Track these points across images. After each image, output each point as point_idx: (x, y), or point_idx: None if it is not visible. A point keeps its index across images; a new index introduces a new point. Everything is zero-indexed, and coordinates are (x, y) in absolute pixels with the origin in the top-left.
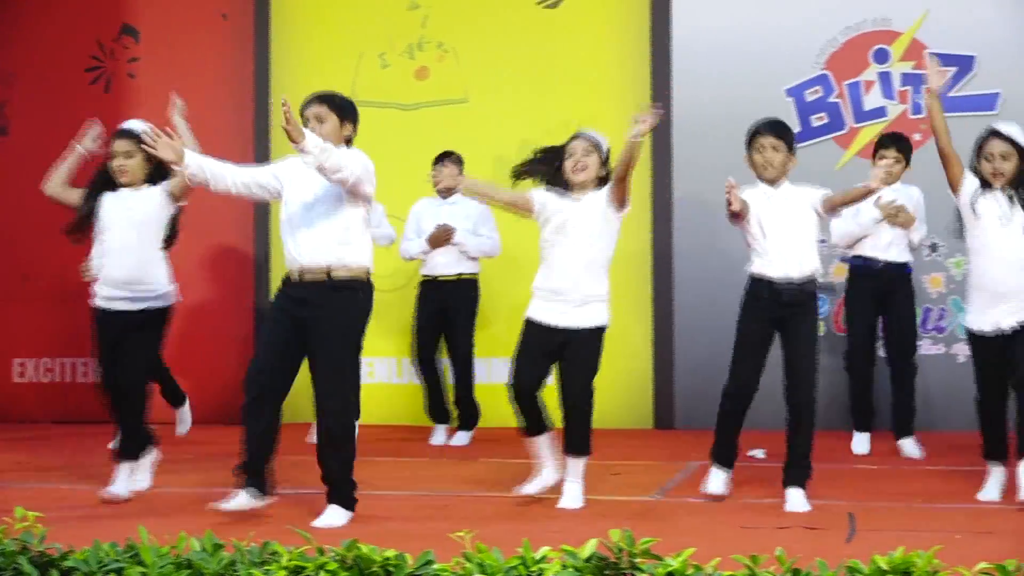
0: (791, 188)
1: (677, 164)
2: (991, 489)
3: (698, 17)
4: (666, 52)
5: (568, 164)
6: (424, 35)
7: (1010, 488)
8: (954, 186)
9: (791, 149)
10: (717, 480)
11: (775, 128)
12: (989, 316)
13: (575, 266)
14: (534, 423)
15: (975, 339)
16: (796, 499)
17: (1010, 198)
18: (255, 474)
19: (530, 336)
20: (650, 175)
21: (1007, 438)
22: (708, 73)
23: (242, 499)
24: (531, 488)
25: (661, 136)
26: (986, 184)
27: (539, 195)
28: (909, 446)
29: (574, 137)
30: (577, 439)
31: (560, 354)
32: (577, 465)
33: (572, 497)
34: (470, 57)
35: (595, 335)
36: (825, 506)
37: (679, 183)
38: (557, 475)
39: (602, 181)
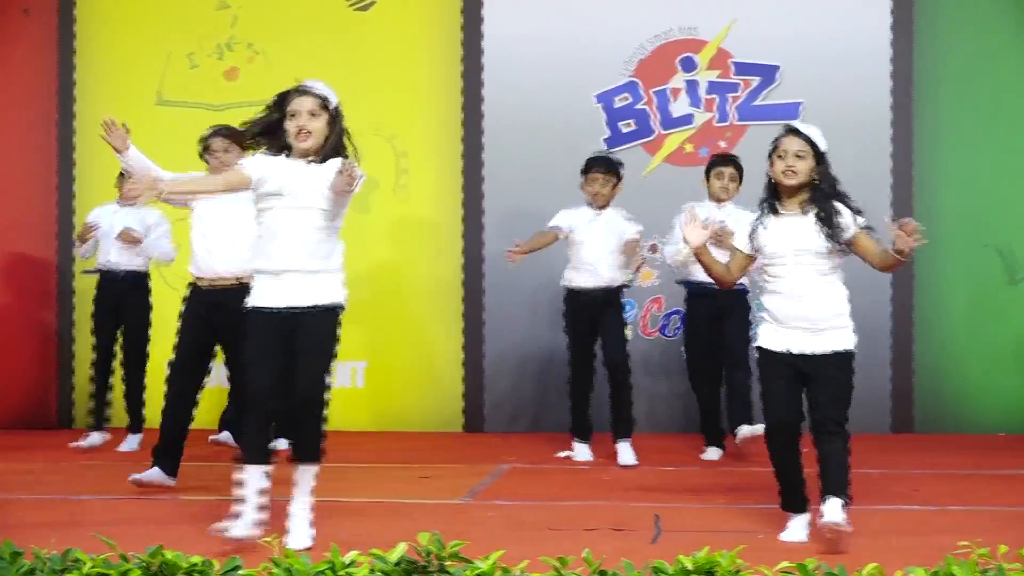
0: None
1: (488, 169)
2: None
3: (509, 24)
4: (477, 58)
5: (291, 127)
6: (234, 35)
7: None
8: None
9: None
10: (582, 450)
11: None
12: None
13: (293, 239)
14: (259, 447)
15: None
16: (625, 452)
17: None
18: (170, 456)
19: (257, 327)
20: (461, 180)
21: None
22: (519, 79)
23: (156, 474)
24: (236, 530)
25: (472, 141)
26: (775, 194)
27: (251, 162)
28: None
29: (301, 92)
30: (309, 443)
31: (293, 343)
32: (308, 477)
33: (302, 530)
34: (280, 58)
35: (328, 316)
36: (632, 508)
37: (490, 188)
38: (256, 526)
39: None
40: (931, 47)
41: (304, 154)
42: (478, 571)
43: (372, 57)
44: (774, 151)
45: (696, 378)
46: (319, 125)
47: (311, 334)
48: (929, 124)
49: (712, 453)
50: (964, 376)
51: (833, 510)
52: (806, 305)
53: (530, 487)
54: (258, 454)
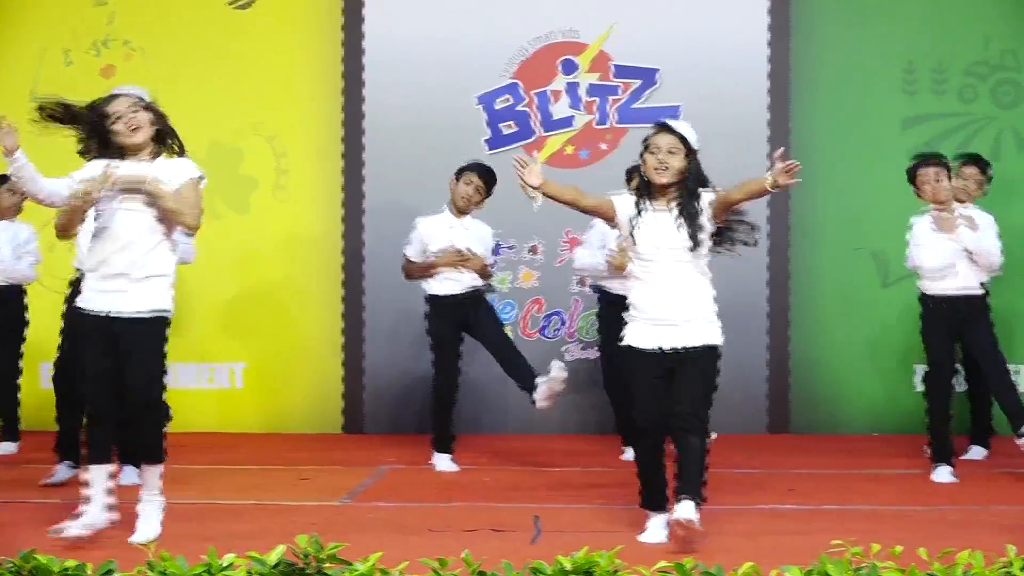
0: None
1: (369, 169)
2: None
3: (390, 24)
4: (358, 58)
5: (120, 127)
6: (111, 32)
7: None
8: (609, 219)
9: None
10: (443, 460)
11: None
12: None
13: (119, 242)
14: (100, 447)
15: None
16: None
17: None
18: (71, 449)
19: (85, 329)
20: (341, 180)
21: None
22: (401, 80)
23: (64, 471)
24: (72, 530)
25: (352, 141)
26: (647, 189)
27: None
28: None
29: (113, 96)
30: (147, 444)
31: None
32: (151, 476)
33: (150, 523)
34: (158, 56)
35: (156, 323)
36: (511, 509)
37: (371, 188)
38: (106, 517)
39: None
40: (807, 52)
41: (135, 148)
42: (357, 573)
43: (252, 56)
44: (646, 147)
45: (611, 383)
46: (144, 118)
47: (138, 339)
48: (806, 128)
49: (631, 454)
50: (838, 378)
51: (687, 508)
52: (673, 299)
53: (410, 488)
54: (99, 454)
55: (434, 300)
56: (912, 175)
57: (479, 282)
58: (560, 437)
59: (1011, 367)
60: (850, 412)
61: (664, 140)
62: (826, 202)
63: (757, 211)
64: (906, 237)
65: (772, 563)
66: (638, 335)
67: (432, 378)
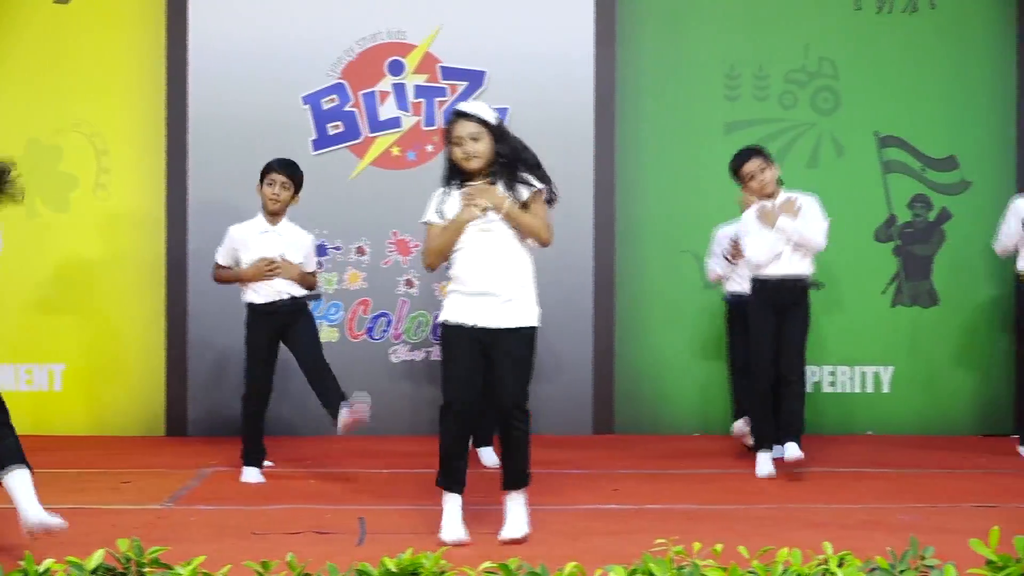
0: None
1: (193, 168)
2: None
3: (215, 21)
4: (183, 55)
5: None
6: None
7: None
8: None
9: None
10: (251, 473)
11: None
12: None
13: None
14: None
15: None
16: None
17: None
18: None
19: None
20: (165, 178)
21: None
22: (226, 77)
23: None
24: None
25: (176, 139)
26: (458, 176)
27: None
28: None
29: None
30: None
31: None
32: None
33: None
34: None
35: None
36: (337, 511)
37: (195, 187)
38: None
39: None
40: (633, 58)
41: None
42: None
43: (72, 51)
44: (449, 139)
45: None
46: None
47: None
48: (631, 132)
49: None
50: (662, 378)
51: (517, 510)
52: (491, 272)
53: (233, 491)
54: None
55: (251, 308)
56: (736, 169)
57: (298, 291)
58: (390, 439)
59: (828, 368)
60: (674, 412)
61: (465, 128)
62: (651, 205)
63: (583, 215)
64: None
65: (596, 562)
66: (456, 310)
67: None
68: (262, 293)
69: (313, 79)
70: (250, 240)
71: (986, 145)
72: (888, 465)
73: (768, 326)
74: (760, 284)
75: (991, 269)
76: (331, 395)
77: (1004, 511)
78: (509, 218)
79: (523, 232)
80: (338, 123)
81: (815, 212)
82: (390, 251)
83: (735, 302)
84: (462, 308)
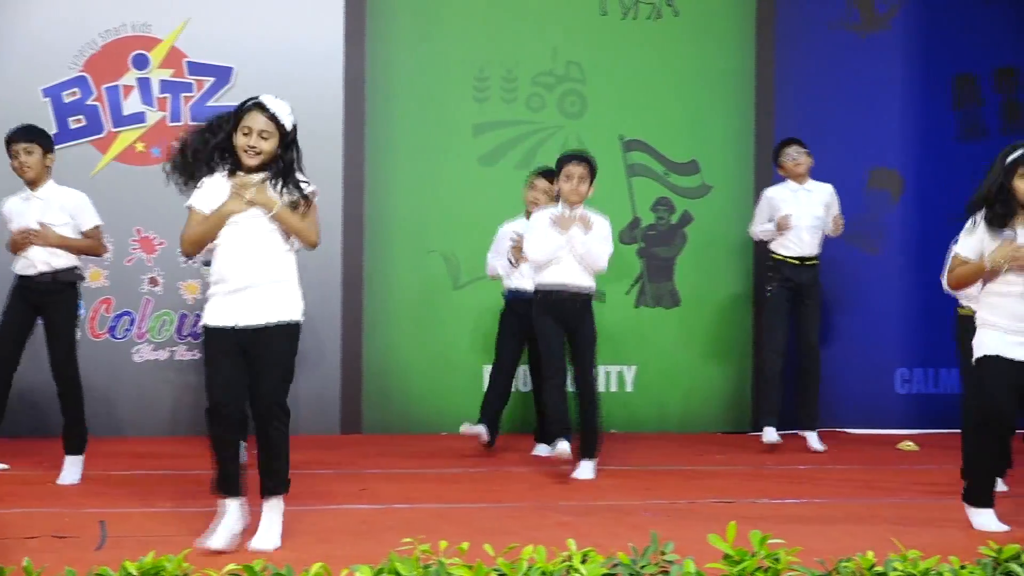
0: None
1: None
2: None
3: None
4: None
5: None
6: None
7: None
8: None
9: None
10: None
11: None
12: None
13: None
14: None
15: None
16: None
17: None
18: None
19: None
20: None
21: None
22: None
23: None
24: None
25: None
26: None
27: None
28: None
29: None
30: None
31: None
32: None
33: None
34: None
35: None
36: (76, 514)
37: None
38: None
39: None
40: (383, 58)
41: None
42: None
43: None
44: (237, 124)
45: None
46: None
47: None
48: (381, 131)
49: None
50: (410, 378)
51: (273, 519)
52: (251, 267)
53: None
54: None
55: (15, 279)
56: (559, 167)
57: (63, 262)
58: (140, 440)
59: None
60: (422, 412)
61: (258, 122)
62: (399, 205)
63: (332, 213)
64: (475, 240)
65: (343, 563)
66: (214, 312)
67: None
68: (19, 264)
69: (54, 71)
70: (14, 210)
71: (726, 151)
72: (631, 462)
73: (555, 333)
74: (543, 295)
75: (732, 271)
76: (69, 428)
77: (741, 507)
78: (278, 219)
79: (291, 233)
80: (80, 117)
81: (605, 234)
82: (134, 249)
83: (514, 299)
84: (222, 310)
